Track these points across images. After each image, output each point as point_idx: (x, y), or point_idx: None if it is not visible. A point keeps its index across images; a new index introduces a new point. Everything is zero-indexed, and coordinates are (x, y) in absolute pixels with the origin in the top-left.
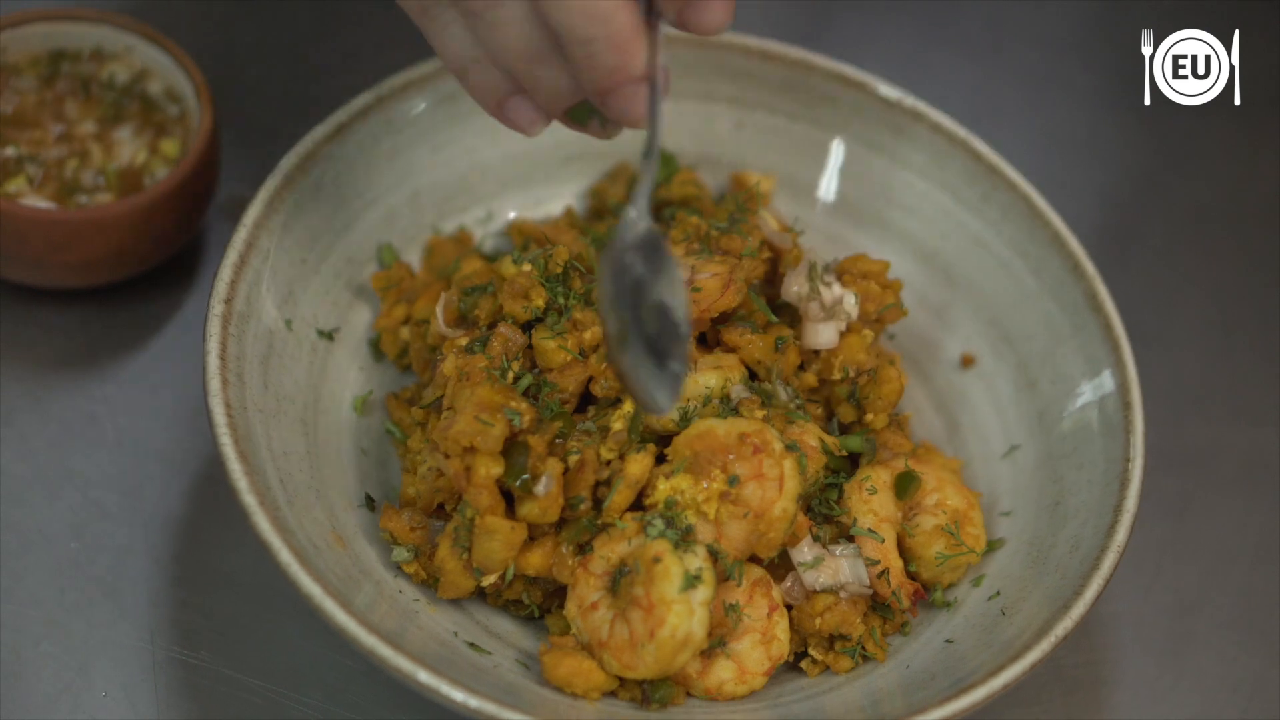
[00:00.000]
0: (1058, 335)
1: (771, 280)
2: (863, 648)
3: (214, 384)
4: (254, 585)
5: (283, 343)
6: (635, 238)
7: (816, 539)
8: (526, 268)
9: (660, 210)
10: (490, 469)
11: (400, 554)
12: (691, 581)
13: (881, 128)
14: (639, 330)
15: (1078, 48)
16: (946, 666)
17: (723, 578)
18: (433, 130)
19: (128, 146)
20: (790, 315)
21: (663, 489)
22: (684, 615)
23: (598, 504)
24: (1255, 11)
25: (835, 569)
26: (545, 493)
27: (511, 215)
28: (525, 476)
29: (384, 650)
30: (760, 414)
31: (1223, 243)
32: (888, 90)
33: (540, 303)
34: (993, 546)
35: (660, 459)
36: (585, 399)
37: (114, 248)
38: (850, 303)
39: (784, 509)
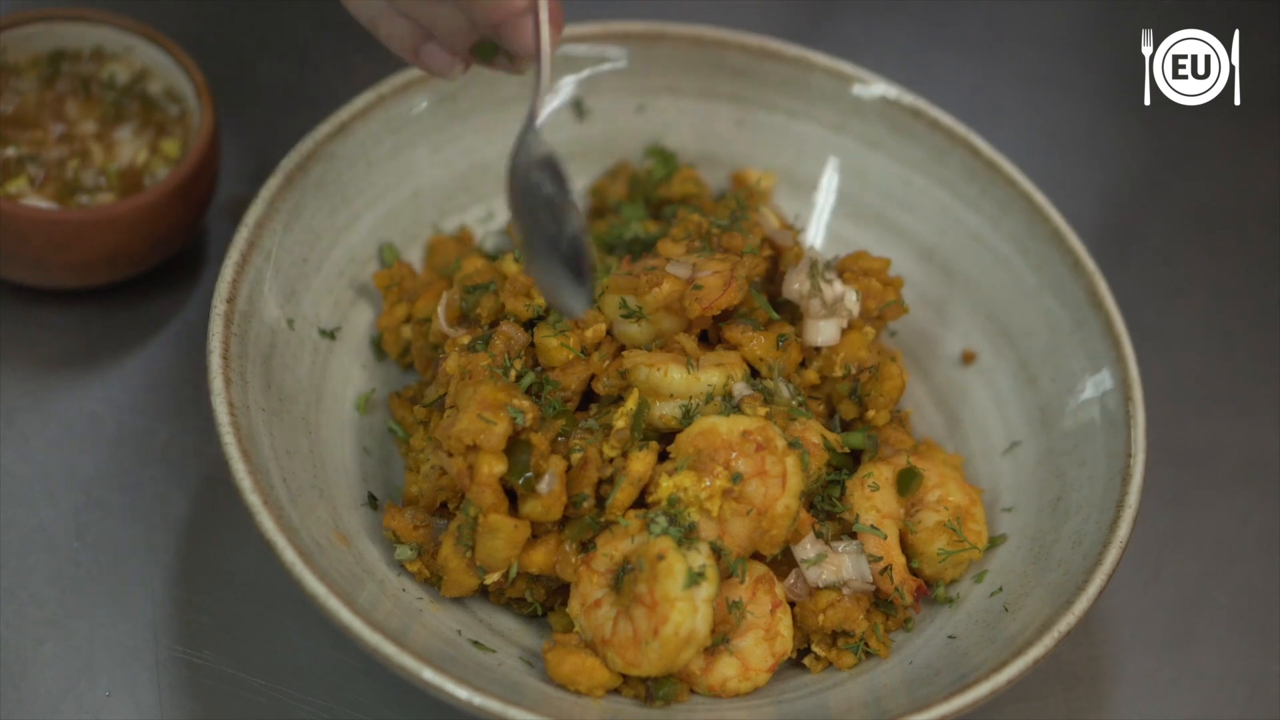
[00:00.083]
0: (1058, 331)
1: (772, 278)
2: (866, 644)
3: (217, 383)
4: (256, 584)
5: (285, 342)
6: (539, 156)
7: (819, 536)
8: None
9: (661, 208)
10: (493, 467)
11: (403, 552)
12: (695, 579)
13: (881, 125)
14: (548, 245)
15: (1077, 47)
16: (950, 662)
17: (726, 575)
18: (433, 129)
19: (128, 146)
20: (791, 312)
21: (665, 486)
22: (687, 612)
23: (600, 502)
24: (1255, 11)
25: (838, 565)
26: (548, 491)
27: None
28: (528, 474)
29: (388, 648)
30: (762, 411)
31: (1222, 241)
32: (887, 88)
33: (542, 301)
34: (995, 542)
35: (663, 456)
36: (587, 397)
37: (115, 248)
38: (851, 300)
39: (787, 506)
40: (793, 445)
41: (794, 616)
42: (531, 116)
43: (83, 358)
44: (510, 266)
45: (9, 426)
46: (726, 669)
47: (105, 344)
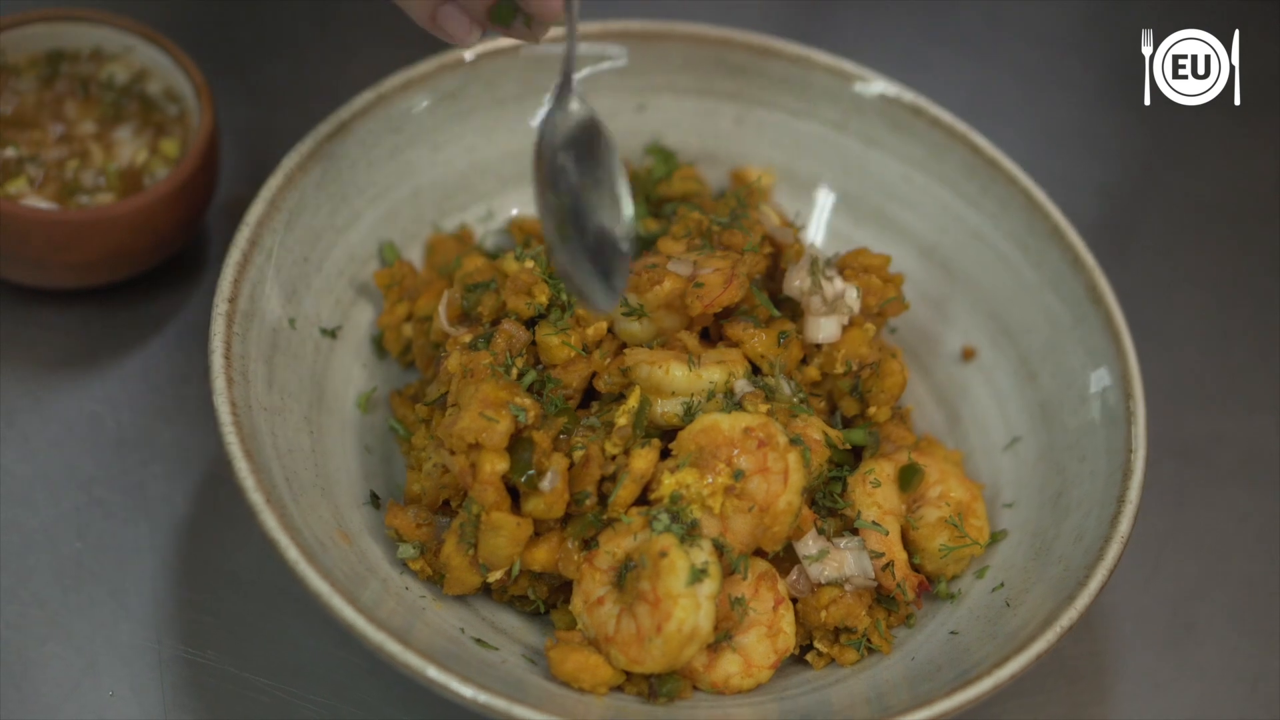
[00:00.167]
0: (1058, 328)
1: (773, 275)
2: (868, 640)
3: (219, 382)
4: (259, 583)
5: (286, 341)
6: (567, 132)
7: (821, 532)
8: (529, 264)
9: (661, 206)
10: (495, 465)
11: (406, 551)
12: (698, 575)
13: (880, 122)
14: (579, 233)
15: (1075, 44)
16: (952, 658)
17: (728, 571)
18: (433, 128)
19: (128, 147)
20: (792, 309)
21: (668, 483)
22: (690, 609)
23: (603, 499)
24: (1255, 11)
25: (840, 562)
26: (550, 488)
27: (514, 212)
28: (530, 472)
29: (392, 646)
30: (764, 408)
31: (1221, 237)
32: (887, 85)
33: (543, 299)
34: (996, 538)
35: (665, 454)
36: (589, 395)
37: (115, 248)
38: (852, 297)
39: (789, 502)
40: (794, 442)
41: (796, 613)
42: (562, 88)
43: (83, 358)
44: (511, 265)
45: (10, 427)
46: (729, 666)
47: (106, 344)
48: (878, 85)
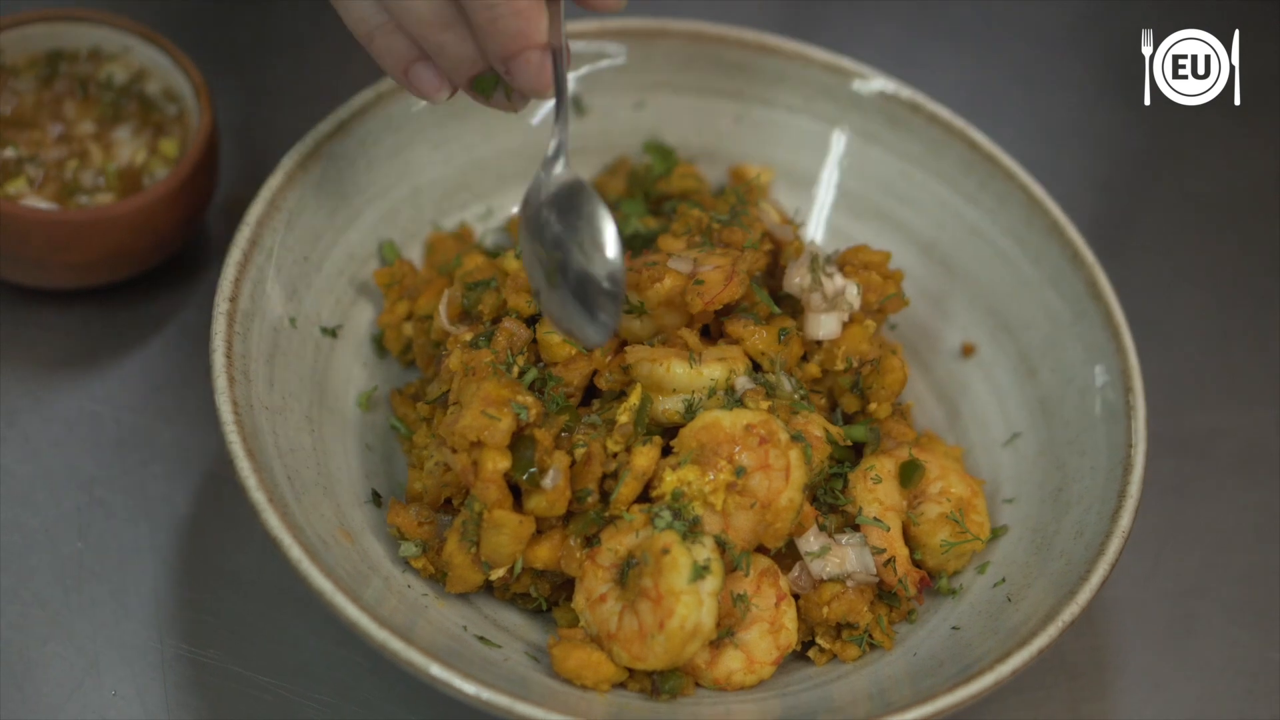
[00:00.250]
0: (1058, 323)
1: (773, 272)
2: (870, 636)
3: (220, 382)
4: (261, 582)
5: (287, 340)
6: (550, 193)
7: (823, 528)
8: None
9: (660, 204)
10: (497, 463)
11: (408, 549)
12: (700, 572)
13: (879, 119)
14: (565, 282)
15: (1073, 41)
16: (954, 653)
17: (730, 568)
18: (433, 127)
19: (127, 147)
20: (792, 306)
21: (669, 481)
22: (693, 606)
23: (605, 497)
24: (1255, 11)
25: (842, 558)
26: (552, 486)
27: (514, 210)
28: (532, 470)
29: (396, 644)
30: (765, 405)
31: (1219, 234)
32: (885, 82)
33: None
34: (997, 534)
35: (666, 451)
36: (590, 392)
37: (115, 248)
38: (852, 293)
39: (790, 499)
40: (796, 439)
41: (798, 609)
42: (553, 155)
43: (84, 358)
44: (511, 263)
45: (10, 427)
46: (732, 662)
47: (106, 344)
48: (876, 82)
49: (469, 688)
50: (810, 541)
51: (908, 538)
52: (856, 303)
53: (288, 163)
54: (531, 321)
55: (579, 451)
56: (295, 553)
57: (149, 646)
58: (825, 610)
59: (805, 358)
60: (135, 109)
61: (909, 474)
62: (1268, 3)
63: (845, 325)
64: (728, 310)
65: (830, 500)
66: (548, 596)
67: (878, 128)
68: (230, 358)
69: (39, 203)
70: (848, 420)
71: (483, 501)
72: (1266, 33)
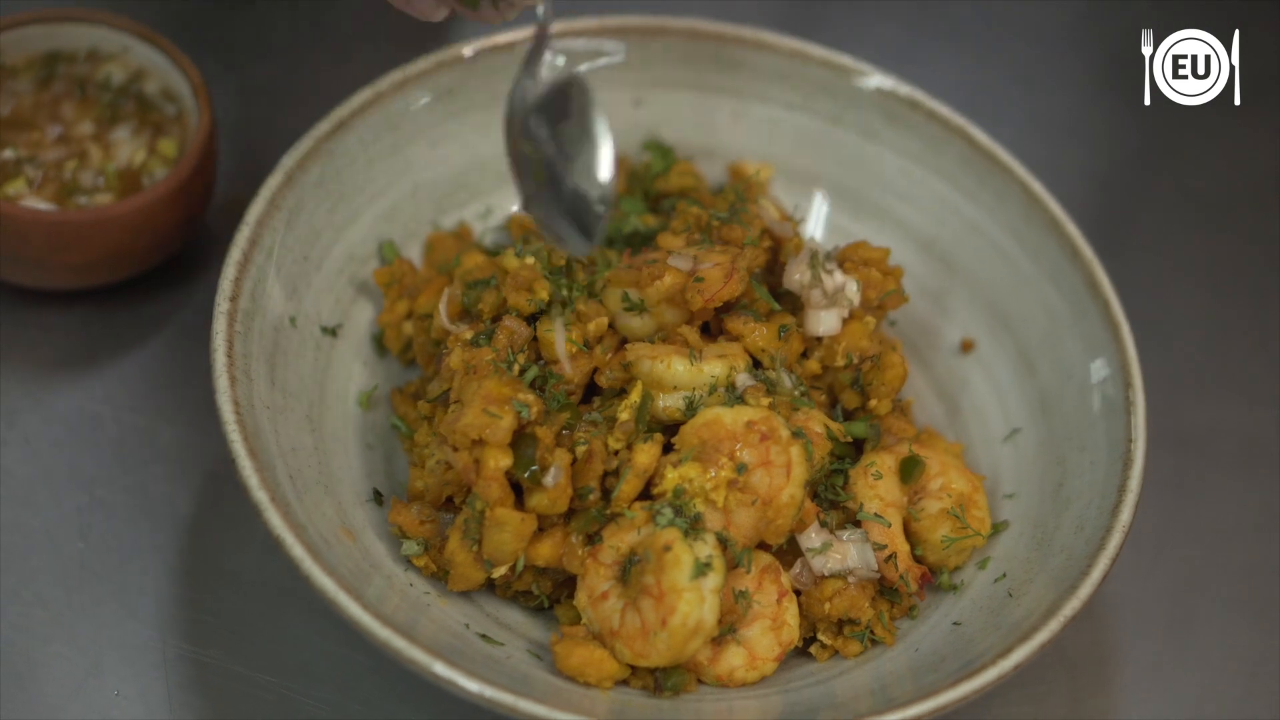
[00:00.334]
0: (1057, 319)
1: (773, 269)
2: (871, 632)
3: (222, 381)
4: (261, 582)
5: (288, 339)
6: (538, 97)
7: (824, 525)
8: (529, 260)
9: (659, 201)
10: (499, 461)
11: (410, 547)
12: (702, 569)
13: (877, 116)
14: (555, 189)
15: (1071, 38)
16: (955, 649)
17: (732, 565)
18: (431, 126)
19: (126, 147)
20: (792, 303)
21: (671, 478)
22: (695, 603)
23: (606, 494)
24: (1255, 11)
25: (843, 554)
26: (554, 484)
27: (513, 209)
28: (534, 468)
29: (399, 643)
30: (765, 402)
31: (1217, 228)
32: (883, 79)
33: (544, 295)
34: (997, 529)
35: (667, 448)
36: (590, 390)
37: (115, 248)
38: (852, 290)
39: (792, 495)
40: (796, 435)
41: (800, 605)
42: (532, 54)
43: (84, 358)
44: (511, 261)
45: (11, 428)
46: (734, 659)
47: (106, 344)
48: (874, 79)
49: (472, 686)
50: (811, 538)
51: (909, 533)
52: (856, 299)
53: (287, 162)
54: (532, 320)
55: (580, 449)
56: (298, 552)
57: (151, 646)
58: (827, 606)
59: (805, 354)
60: (134, 109)
61: (909, 470)
62: (1268, 3)
63: (845, 322)
64: (728, 307)
65: (831, 497)
66: (549, 594)
67: (877, 125)
68: (231, 357)
69: (38, 203)
70: (848, 416)
71: (484, 500)
72: (1266, 33)
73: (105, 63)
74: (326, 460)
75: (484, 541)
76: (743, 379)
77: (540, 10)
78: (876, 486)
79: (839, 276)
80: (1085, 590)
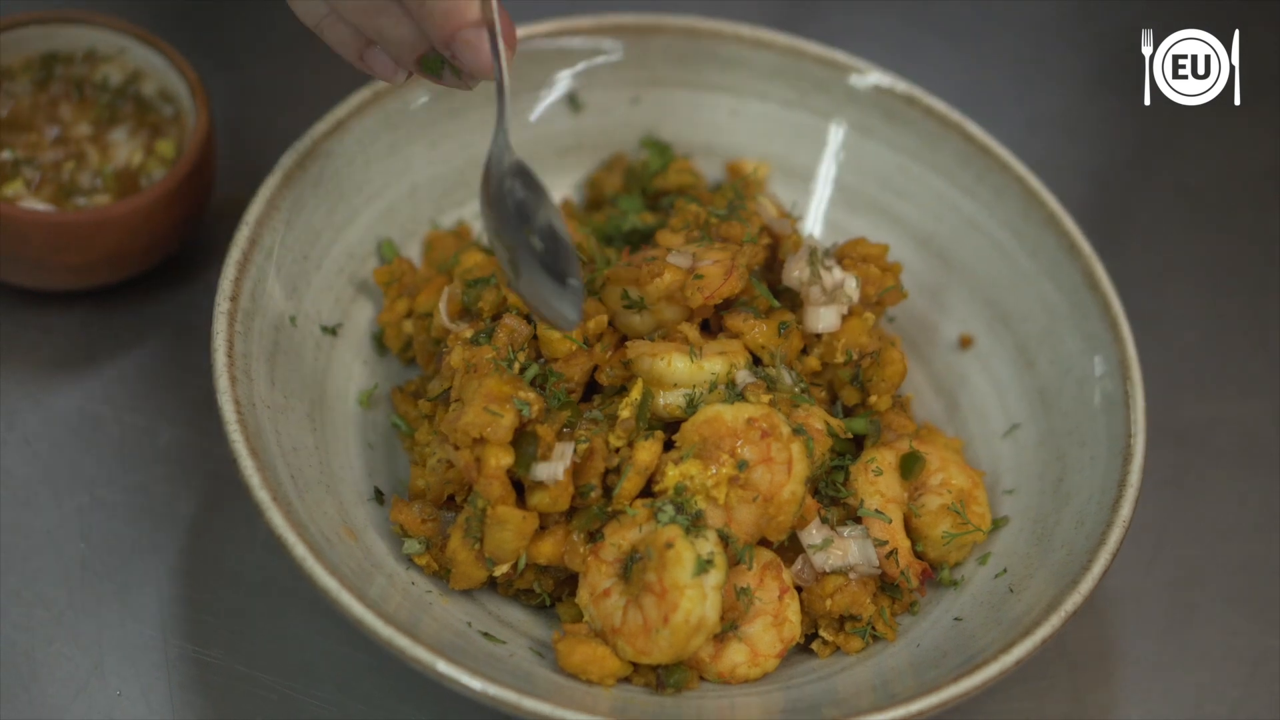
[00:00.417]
0: (1055, 315)
1: (771, 266)
2: (873, 628)
3: (222, 381)
4: (262, 581)
5: (288, 339)
6: (509, 165)
7: (825, 521)
8: None
9: (658, 199)
10: (500, 459)
11: (411, 546)
12: (704, 566)
13: (875, 113)
14: (531, 254)
15: (1067, 34)
16: (957, 644)
17: (733, 562)
18: (430, 125)
19: (123, 148)
20: (791, 300)
21: (672, 475)
22: (697, 600)
23: (607, 492)
24: (1255, 11)
25: (844, 550)
26: (555, 481)
27: None
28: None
29: (402, 641)
30: (766, 398)
31: (1216, 225)
32: (880, 75)
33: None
34: (998, 525)
35: (668, 445)
36: (590, 388)
37: (114, 249)
38: (851, 286)
39: (793, 492)
40: (797, 432)
41: (801, 602)
42: (498, 132)
43: (84, 359)
44: None
45: (11, 429)
46: (736, 655)
47: (106, 345)
48: (871, 76)
49: (476, 684)
50: (812, 534)
51: (909, 530)
52: (855, 295)
53: (286, 162)
54: (532, 318)
55: (581, 447)
56: (300, 551)
57: (153, 646)
58: (828, 603)
59: (805, 351)
60: (131, 110)
61: (910, 466)
62: (1268, 3)
63: (844, 318)
64: (727, 304)
65: (832, 493)
66: (551, 592)
67: (874, 121)
68: (232, 357)
69: (37, 204)
70: (848, 413)
71: (486, 498)
72: (1266, 33)
73: (103, 64)
74: (327, 459)
75: (485, 540)
76: (743, 376)
77: (499, 74)
78: (877, 483)
79: (838, 273)
80: (1086, 585)
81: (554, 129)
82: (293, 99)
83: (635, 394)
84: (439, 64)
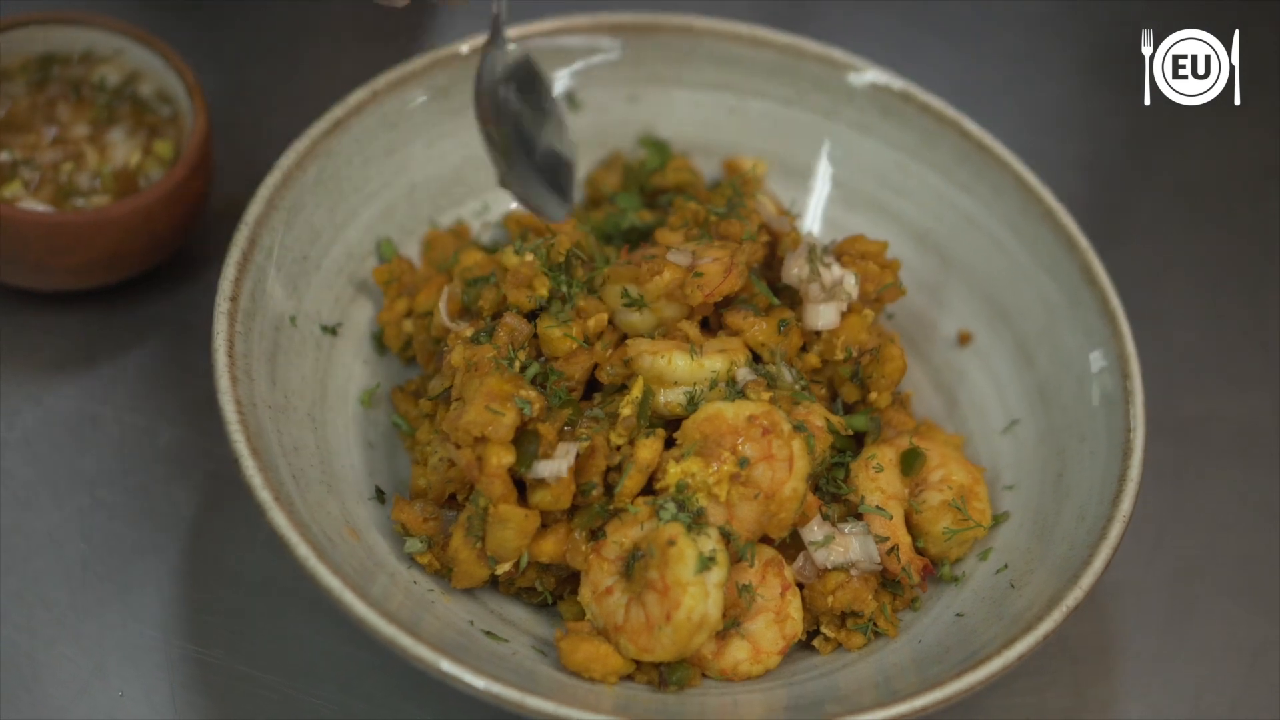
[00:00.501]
0: (1054, 310)
1: (771, 263)
2: (874, 624)
3: (223, 381)
4: (263, 581)
5: (288, 339)
6: (505, 69)
7: (826, 518)
8: (529, 257)
9: (656, 198)
10: (502, 458)
11: (413, 545)
12: (706, 563)
13: (872, 110)
14: (526, 154)
15: (1064, 31)
16: (959, 640)
17: (735, 559)
18: (428, 124)
19: (121, 148)
20: (791, 297)
21: (673, 473)
22: (699, 597)
23: (609, 490)
24: (1255, 11)
25: (845, 547)
26: (557, 480)
27: (513, 206)
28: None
29: (405, 640)
30: (766, 396)
31: (1211, 218)
32: (877, 73)
33: (544, 292)
34: (998, 520)
35: (669, 443)
36: (591, 386)
37: (113, 249)
38: (850, 283)
39: (794, 489)
40: (798, 429)
41: (803, 599)
42: (493, 31)
43: (84, 360)
44: (510, 259)
45: (11, 430)
46: (738, 652)
47: (106, 345)
48: (869, 74)
49: (479, 682)
50: (814, 531)
51: (910, 526)
52: (855, 292)
53: (285, 161)
54: (532, 316)
55: (583, 445)
56: (302, 550)
57: (155, 647)
58: (830, 599)
59: (805, 348)
60: (129, 111)
61: (910, 462)
62: (1268, 3)
63: (844, 315)
64: (727, 302)
65: (833, 490)
66: (553, 590)
67: (871, 119)
68: (232, 357)
69: (35, 205)
70: (848, 410)
71: (487, 496)
72: (1266, 33)
73: (100, 65)
74: (329, 459)
75: (487, 538)
76: (743, 373)
77: None
78: (878, 479)
79: (837, 270)
80: (1087, 580)
81: None
82: (291, 99)
83: (636, 392)
84: None
